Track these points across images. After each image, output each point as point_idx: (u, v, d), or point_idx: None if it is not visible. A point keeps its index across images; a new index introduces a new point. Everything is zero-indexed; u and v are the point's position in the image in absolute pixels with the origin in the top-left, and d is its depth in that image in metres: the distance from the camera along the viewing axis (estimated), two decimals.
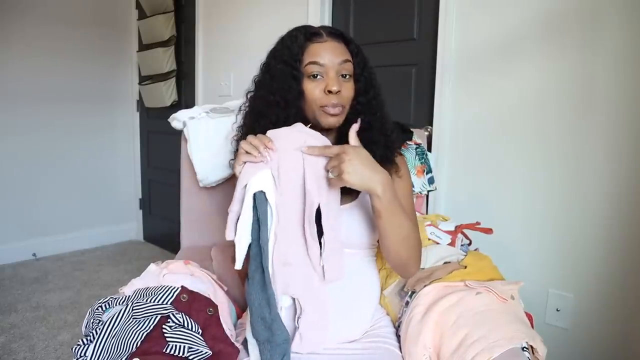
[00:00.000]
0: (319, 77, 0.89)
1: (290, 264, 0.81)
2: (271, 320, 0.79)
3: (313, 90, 0.89)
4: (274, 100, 0.90)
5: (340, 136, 0.95)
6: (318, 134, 0.85)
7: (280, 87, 0.89)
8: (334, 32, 0.92)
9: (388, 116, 0.98)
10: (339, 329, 0.91)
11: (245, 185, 0.80)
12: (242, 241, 0.80)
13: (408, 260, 0.90)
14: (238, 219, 0.80)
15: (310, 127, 0.87)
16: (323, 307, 0.84)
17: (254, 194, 0.79)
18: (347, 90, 0.91)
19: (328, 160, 0.82)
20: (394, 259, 0.90)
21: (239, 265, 0.80)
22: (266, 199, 0.80)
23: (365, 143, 0.87)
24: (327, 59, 0.88)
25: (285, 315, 0.84)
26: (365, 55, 0.96)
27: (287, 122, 0.88)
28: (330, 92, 0.87)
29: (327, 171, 0.82)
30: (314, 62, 0.88)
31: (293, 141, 0.83)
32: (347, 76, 0.91)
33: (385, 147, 0.94)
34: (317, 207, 0.80)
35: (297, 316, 0.84)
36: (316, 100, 0.89)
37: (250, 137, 0.83)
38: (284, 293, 0.83)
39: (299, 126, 0.85)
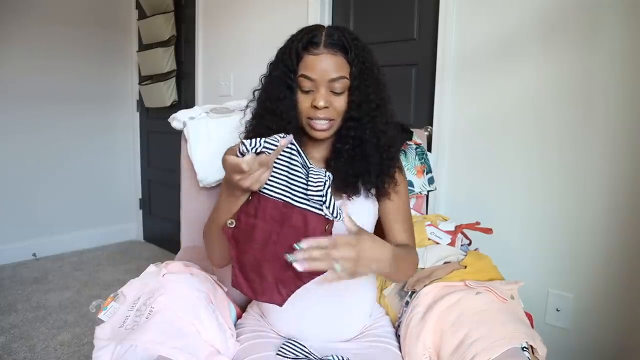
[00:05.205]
0: (310, 91, 0.87)
1: None
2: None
3: (303, 102, 0.88)
4: (270, 107, 0.90)
5: (333, 147, 0.93)
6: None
7: (276, 96, 0.89)
8: (333, 43, 0.87)
9: (388, 130, 0.93)
10: (335, 327, 0.91)
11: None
12: None
13: (402, 278, 0.98)
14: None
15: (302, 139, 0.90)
16: None
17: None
18: (338, 103, 0.88)
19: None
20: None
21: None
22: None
23: (358, 158, 0.88)
24: (319, 75, 0.85)
25: None
26: (371, 62, 0.90)
27: (281, 130, 0.86)
28: (316, 107, 0.86)
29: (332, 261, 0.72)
30: (306, 77, 0.86)
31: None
32: (340, 91, 0.88)
33: (381, 163, 0.91)
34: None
35: None
36: (304, 112, 0.88)
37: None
38: None
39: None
